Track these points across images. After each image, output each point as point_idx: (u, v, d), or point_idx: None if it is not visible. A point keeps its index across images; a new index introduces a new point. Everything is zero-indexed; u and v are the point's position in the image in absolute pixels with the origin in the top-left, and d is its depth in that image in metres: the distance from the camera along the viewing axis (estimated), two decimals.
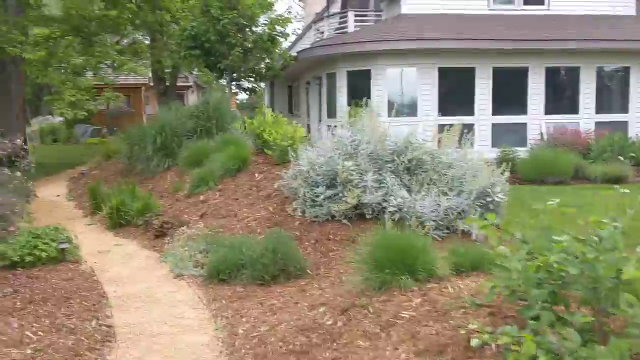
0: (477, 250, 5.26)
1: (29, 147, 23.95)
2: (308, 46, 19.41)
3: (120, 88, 29.23)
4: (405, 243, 4.68)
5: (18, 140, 5.38)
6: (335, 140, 7.97)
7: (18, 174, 5.75)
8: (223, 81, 15.68)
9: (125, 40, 22.09)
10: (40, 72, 14.84)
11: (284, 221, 7.92)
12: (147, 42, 22.22)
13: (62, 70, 15.19)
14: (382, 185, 7.14)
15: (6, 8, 15.66)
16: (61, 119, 26.24)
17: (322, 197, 7.51)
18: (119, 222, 9.39)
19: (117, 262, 7.52)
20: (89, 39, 16.31)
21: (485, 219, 6.68)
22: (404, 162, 7.39)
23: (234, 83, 15.00)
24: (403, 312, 3.92)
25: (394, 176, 7.24)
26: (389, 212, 6.86)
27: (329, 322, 4.25)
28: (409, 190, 7.14)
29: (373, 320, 3.96)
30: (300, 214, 7.82)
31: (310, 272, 6.51)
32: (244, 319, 5.19)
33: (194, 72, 39.84)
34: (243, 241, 6.93)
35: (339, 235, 7.16)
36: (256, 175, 9.87)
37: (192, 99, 37.37)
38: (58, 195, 13.04)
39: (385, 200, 7.01)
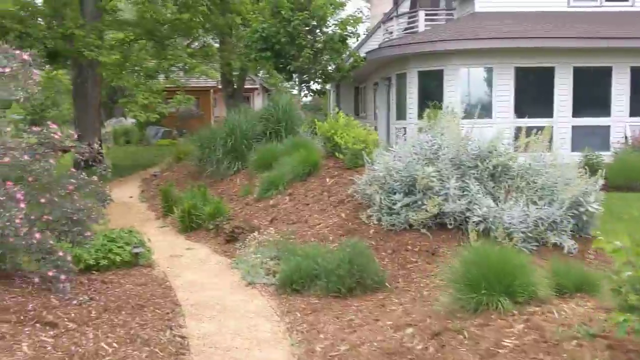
0: (579, 268, 4.75)
1: (103, 148, 24.80)
2: (375, 47, 19.01)
3: (190, 91, 29.80)
4: (501, 259, 4.25)
5: (95, 145, 5.28)
6: (413, 145, 7.58)
7: (94, 178, 5.69)
8: (291, 83, 15.58)
9: (196, 43, 22.44)
10: (115, 76, 15.21)
11: (358, 229, 7.61)
12: (216, 45, 22.53)
13: (136, 74, 15.51)
14: (465, 193, 6.69)
15: (84, 14, 16.15)
16: (133, 121, 27.01)
17: (399, 204, 7.14)
18: (190, 226, 9.35)
19: (189, 267, 7.42)
20: (162, 42, 16.59)
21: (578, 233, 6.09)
22: (488, 168, 6.91)
23: (302, 85, 14.83)
24: (505, 340, 3.51)
25: (477, 183, 6.77)
26: (473, 222, 6.41)
27: (419, 347, 3.89)
28: (494, 199, 6.66)
29: (470, 348, 3.56)
30: (375, 222, 7.48)
31: (388, 285, 6.17)
32: (321, 335, 4.90)
33: (260, 75, 40.27)
34: (316, 249, 6.67)
35: (418, 246, 6.77)
36: (327, 179, 9.61)
37: (257, 101, 37.73)
38: (131, 197, 13.27)
39: (469, 210, 6.56)
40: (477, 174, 6.87)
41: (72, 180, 5.41)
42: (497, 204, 6.49)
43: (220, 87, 29.05)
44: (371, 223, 7.56)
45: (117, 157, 23.15)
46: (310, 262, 6.33)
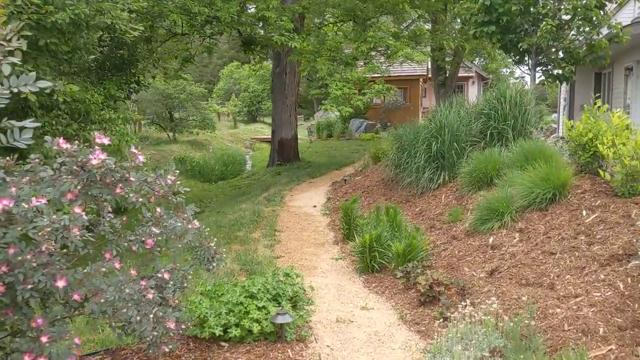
0: None
1: (305, 142, 23.54)
2: (627, 23, 14.44)
3: (396, 80, 27.47)
4: None
5: (171, 177, 2.85)
6: None
7: (196, 223, 3.31)
8: (520, 66, 11.98)
9: (405, 25, 19.86)
10: (308, 64, 13.31)
11: None
12: (427, 27, 19.67)
13: (330, 61, 13.40)
14: None
15: None
16: (337, 113, 25.52)
17: None
18: (371, 265, 6.74)
19: (358, 351, 4.78)
20: (363, 23, 14.26)
21: None
22: None
23: (538, 68, 11.19)
24: None
25: None
26: None
27: None
28: None
29: None
30: None
31: None
32: None
33: (476, 62, 36.19)
34: None
35: None
36: (583, 212, 6.19)
37: (472, 91, 33.92)
38: (314, 206, 11.16)
39: None
40: None
41: (154, 230, 3.09)
42: None
43: (430, 75, 26.18)
44: None
45: (315, 153, 21.76)
46: None
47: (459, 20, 18.47)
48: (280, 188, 13.34)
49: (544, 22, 10.07)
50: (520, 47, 10.58)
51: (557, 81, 11.42)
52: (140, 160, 2.90)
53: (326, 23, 15.59)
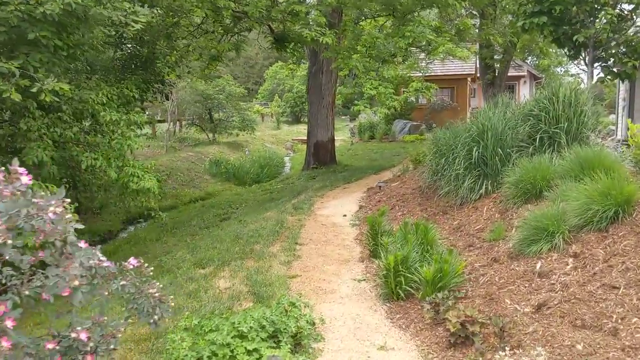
0: None
1: (348, 142, 22.53)
2: None
3: (442, 79, 26.27)
4: None
5: (55, 209, 2.03)
6: None
7: (133, 262, 2.51)
8: (576, 63, 10.76)
9: (451, 21, 18.72)
10: (342, 61, 12.43)
11: None
12: (474, 22, 18.45)
13: (368, 58, 12.48)
14: None
15: None
16: (372, 114, 24.51)
17: None
18: (396, 292, 5.82)
19: None
20: (403, 17, 13.28)
21: None
22: None
23: (597, 64, 9.94)
24: None
25: None
26: None
27: None
28: None
29: None
30: None
31: None
32: None
33: (528, 60, 34.39)
34: None
35: None
36: None
37: (524, 91, 32.24)
38: (344, 216, 10.26)
39: None
40: None
41: (75, 273, 2.30)
42: None
43: (479, 74, 24.86)
44: None
45: (354, 156, 20.86)
46: None
47: (510, 17, 17.23)
48: (311, 194, 12.52)
49: (603, 12, 8.87)
50: (576, 40, 9.38)
51: (618, 79, 10.13)
52: (23, 184, 2.10)
53: (363, 18, 14.66)
